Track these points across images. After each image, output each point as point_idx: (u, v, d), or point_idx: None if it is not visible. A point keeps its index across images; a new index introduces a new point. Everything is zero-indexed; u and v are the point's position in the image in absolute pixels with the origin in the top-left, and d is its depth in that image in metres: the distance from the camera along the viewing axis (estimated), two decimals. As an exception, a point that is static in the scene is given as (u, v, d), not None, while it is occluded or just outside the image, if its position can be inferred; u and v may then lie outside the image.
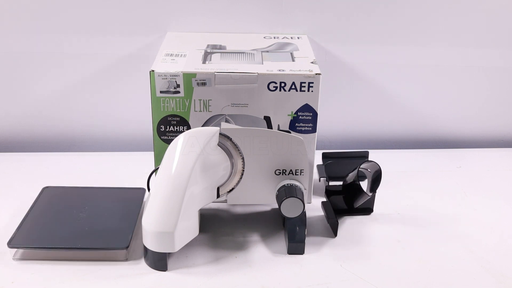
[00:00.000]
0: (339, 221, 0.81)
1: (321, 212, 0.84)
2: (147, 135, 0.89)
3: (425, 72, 1.04)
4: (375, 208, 0.85)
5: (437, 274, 0.72)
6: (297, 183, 0.76)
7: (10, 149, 1.05)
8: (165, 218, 0.69)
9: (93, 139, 1.06)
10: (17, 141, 1.05)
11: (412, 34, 1.00)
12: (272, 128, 0.82)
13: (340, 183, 0.86)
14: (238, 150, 0.75)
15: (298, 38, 0.96)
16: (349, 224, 0.82)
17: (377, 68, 1.03)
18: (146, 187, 0.80)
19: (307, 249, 0.76)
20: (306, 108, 0.80)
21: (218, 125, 0.79)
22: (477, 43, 1.02)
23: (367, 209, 0.85)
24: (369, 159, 0.90)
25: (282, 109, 0.80)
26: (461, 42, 1.02)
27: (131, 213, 0.79)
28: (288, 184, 0.75)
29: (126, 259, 0.73)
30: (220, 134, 0.74)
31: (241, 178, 0.76)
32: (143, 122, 0.95)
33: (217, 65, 0.81)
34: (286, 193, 0.74)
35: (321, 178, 0.92)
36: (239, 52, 0.87)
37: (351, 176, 0.82)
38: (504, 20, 1.01)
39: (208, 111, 0.80)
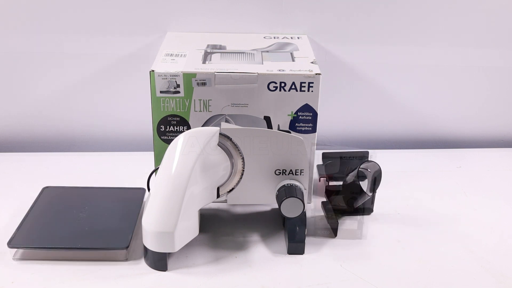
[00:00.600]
0: (339, 221, 0.81)
1: (321, 212, 0.84)
2: (147, 135, 0.89)
3: (425, 72, 1.04)
4: (375, 208, 0.85)
5: (437, 274, 0.72)
6: (297, 183, 0.75)
7: (10, 149, 1.05)
8: (165, 218, 0.69)
9: (93, 139, 1.06)
10: (17, 141, 1.05)
11: (412, 34, 1.00)
12: (272, 128, 0.82)
13: (340, 183, 0.86)
14: (238, 150, 0.75)
15: (298, 38, 0.96)
16: (349, 224, 0.82)
17: (377, 68, 1.03)
18: (146, 187, 0.80)
19: (307, 249, 0.76)
20: (306, 108, 0.80)
21: (218, 125, 0.79)
22: (477, 43, 1.02)
23: (367, 209, 0.85)
24: (369, 159, 0.90)
25: (282, 109, 0.80)
26: (461, 42, 1.02)
27: (131, 213, 0.79)
28: (288, 184, 0.75)
29: (126, 259, 0.73)
30: (220, 134, 0.74)
31: (241, 178, 0.76)
32: (143, 122, 0.95)
33: (217, 65, 0.81)
34: (286, 193, 0.74)
35: (321, 178, 0.92)
36: (239, 52, 0.87)
37: (351, 176, 0.82)
38: (504, 20, 1.00)
39: (208, 111, 0.80)
